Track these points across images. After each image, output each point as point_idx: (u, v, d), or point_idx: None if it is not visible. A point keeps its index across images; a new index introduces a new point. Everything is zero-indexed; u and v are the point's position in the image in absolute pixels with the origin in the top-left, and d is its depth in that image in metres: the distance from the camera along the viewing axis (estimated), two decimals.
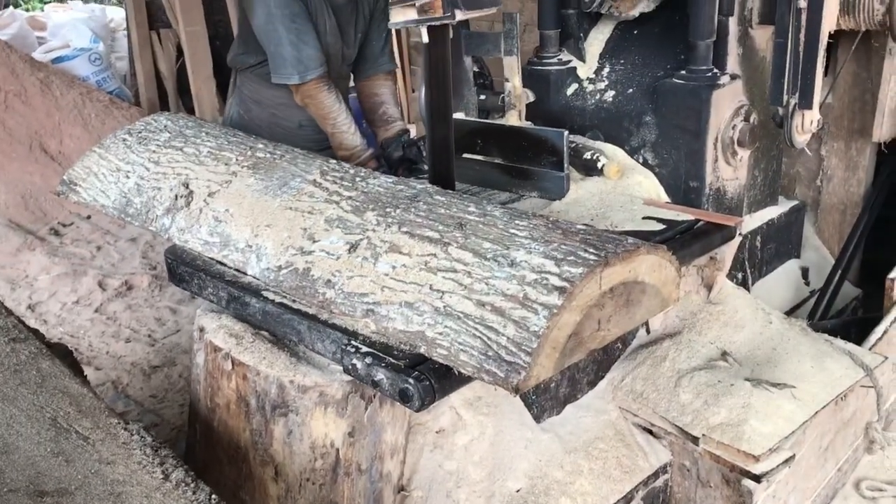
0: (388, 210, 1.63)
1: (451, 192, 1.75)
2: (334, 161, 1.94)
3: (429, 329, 1.40)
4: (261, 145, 2.04)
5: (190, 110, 5.77)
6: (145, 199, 1.98)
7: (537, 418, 1.98)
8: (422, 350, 1.42)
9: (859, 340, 2.30)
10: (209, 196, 1.87)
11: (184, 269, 1.94)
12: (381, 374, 1.48)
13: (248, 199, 1.81)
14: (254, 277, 1.74)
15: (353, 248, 1.57)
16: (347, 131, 2.51)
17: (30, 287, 4.10)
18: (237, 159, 1.95)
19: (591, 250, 1.40)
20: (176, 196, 1.93)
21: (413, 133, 5.79)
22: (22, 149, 4.91)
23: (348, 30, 2.51)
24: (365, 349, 1.53)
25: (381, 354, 1.51)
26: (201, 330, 1.83)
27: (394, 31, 3.27)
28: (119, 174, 2.08)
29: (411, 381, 1.43)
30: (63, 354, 2.02)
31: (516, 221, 1.53)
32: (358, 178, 1.80)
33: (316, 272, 1.59)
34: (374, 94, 2.64)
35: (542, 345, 1.29)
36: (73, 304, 3.81)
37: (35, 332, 1.92)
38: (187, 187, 1.93)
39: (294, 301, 1.70)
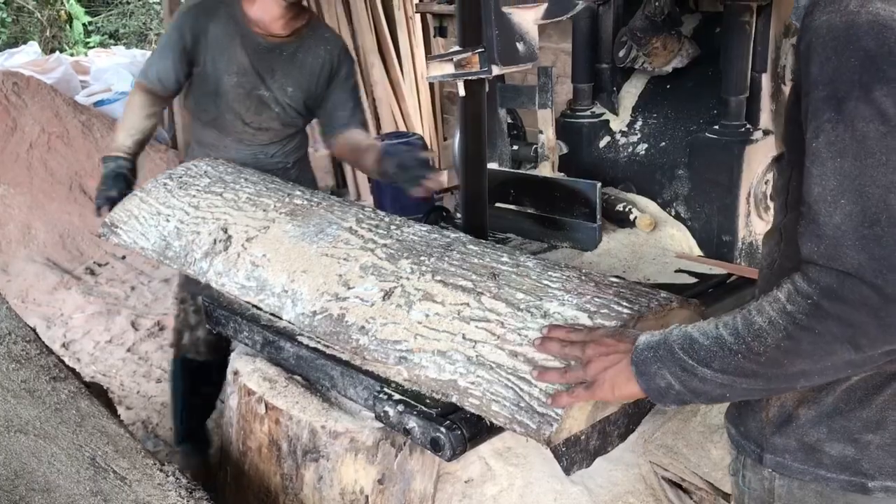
0: (421, 258, 1.65)
1: (483, 241, 1.78)
2: (370, 209, 1.99)
3: (461, 378, 1.41)
4: (298, 192, 2.08)
5: None
6: (184, 242, 2.02)
7: (567, 470, 1.96)
8: (454, 399, 1.42)
9: None
10: (247, 241, 1.91)
11: (220, 313, 1.97)
12: (412, 422, 1.49)
13: (285, 245, 1.84)
14: (289, 322, 1.76)
15: (387, 295, 1.59)
16: (122, 128, 2.55)
17: (65, 325, 4.17)
18: (275, 206, 2.00)
19: (625, 303, 1.41)
20: (215, 241, 1.96)
21: (444, 181, 5.87)
22: (62, 189, 5.04)
23: (275, 75, 2.51)
24: (397, 396, 1.54)
25: (413, 402, 1.51)
26: (235, 373, 1.85)
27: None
28: (159, 217, 2.13)
29: (443, 430, 1.44)
30: (99, 394, 2.05)
31: (549, 273, 1.54)
32: (393, 227, 1.83)
33: (350, 318, 1.61)
34: (354, 140, 2.60)
35: None
36: (106, 342, 3.88)
37: (72, 370, 1.96)
38: (226, 232, 1.96)
39: (328, 346, 1.72)
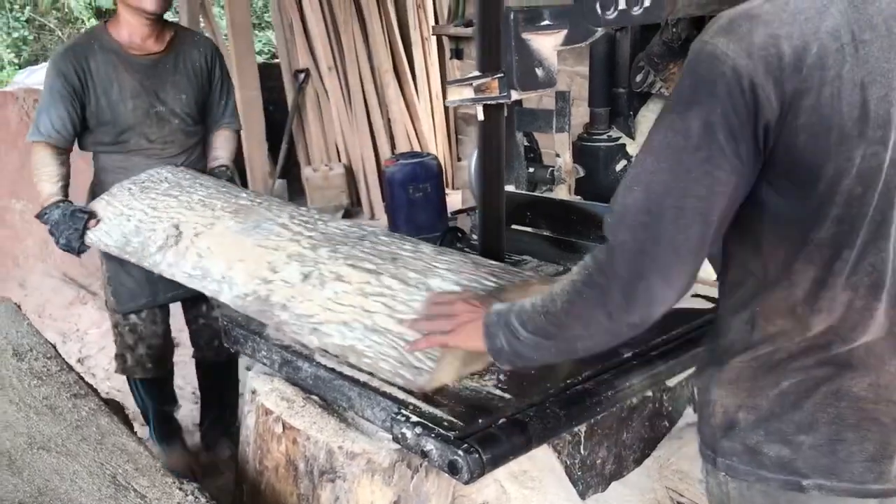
0: (338, 247, 1.91)
1: (394, 234, 2.03)
2: (304, 208, 2.26)
3: (359, 343, 1.67)
4: (244, 195, 2.38)
5: (242, 171, 5.92)
6: (142, 238, 2.29)
7: (582, 495, 1.97)
8: (351, 359, 1.68)
9: None
10: (195, 236, 2.17)
11: (238, 332, 1.99)
12: (430, 445, 1.49)
13: (226, 239, 2.11)
14: (225, 303, 2.00)
15: (305, 277, 1.84)
16: (43, 181, 2.56)
17: (80, 341, 4.20)
18: (222, 206, 2.28)
19: (493, 279, 1.68)
20: (167, 236, 2.22)
21: (459, 202, 5.89)
22: (79, 204, 5.07)
23: (164, 88, 2.63)
24: (415, 419, 1.54)
25: (430, 425, 1.52)
26: (253, 392, 1.87)
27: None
28: (122, 218, 2.40)
29: (461, 453, 1.44)
30: (116, 410, 2.07)
31: (439, 257, 1.82)
32: (320, 223, 2.11)
33: (274, 298, 1.85)
34: (212, 144, 2.83)
35: (443, 354, 1.55)
36: None
37: (90, 386, 1.98)
38: (177, 229, 2.23)
39: (346, 367, 1.74)
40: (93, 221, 2.45)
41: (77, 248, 2.47)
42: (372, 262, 1.81)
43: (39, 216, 2.54)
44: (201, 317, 2.91)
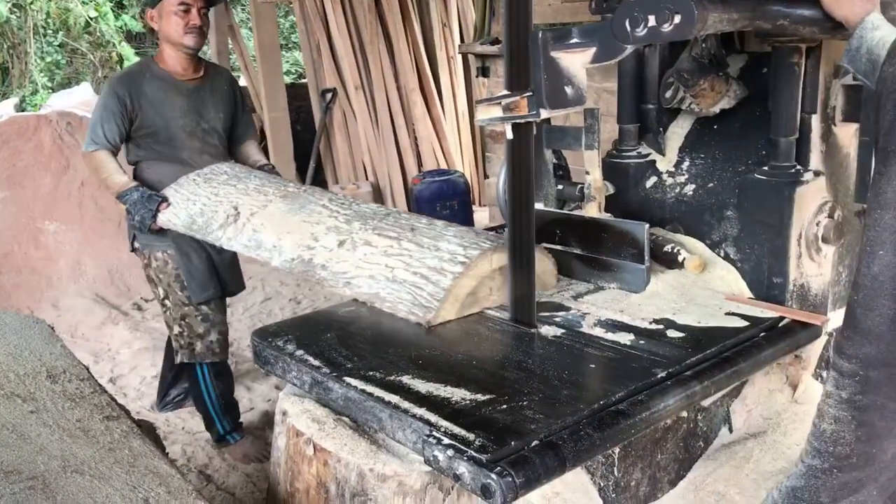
0: (368, 221, 2.35)
1: (414, 214, 2.46)
2: (340, 195, 2.75)
3: (382, 291, 2.09)
4: (291, 185, 2.81)
5: None
6: (206, 218, 2.73)
7: None
8: (376, 304, 2.10)
9: None
10: (251, 215, 2.60)
11: (269, 353, 1.99)
12: (463, 468, 1.47)
13: (276, 217, 2.54)
14: (276, 267, 2.41)
15: (341, 244, 2.29)
16: (112, 174, 3.02)
17: (112, 360, 4.24)
18: (273, 192, 2.71)
19: (490, 242, 2.11)
20: (227, 216, 2.65)
21: (486, 218, 5.88)
22: (112, 226, 5.15)
23: (206, 109, 3.15)
24: (447, 441, 1.53)
25: (462, 447, 1.50)
26: (284, 413, 1.86)
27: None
28: (188, 203, 2.87)
29: (494, 476, 1.42)
30: (148, 431, 2.07)
31: (448, 227, 2.26)
32: (354, 205, 2.54)
33: (316, 260, 2.28)
34: (246, 152, 3.35)
35: (446, 296, 2.00)
36: (152, 378, 3.92)
37: (122, 408, 1.99)
38: (236, 209, 2.66)
39: (377, 388, 1.73)
40: (164, 205, 2.92)
41: (149, 225, 2.92)
42: (394, 231, 2.25)
43: (119, 197, 2.99)
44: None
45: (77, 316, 4.72)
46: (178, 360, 3.21)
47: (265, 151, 6.12)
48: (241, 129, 3.34)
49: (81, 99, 6.95)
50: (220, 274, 3.17)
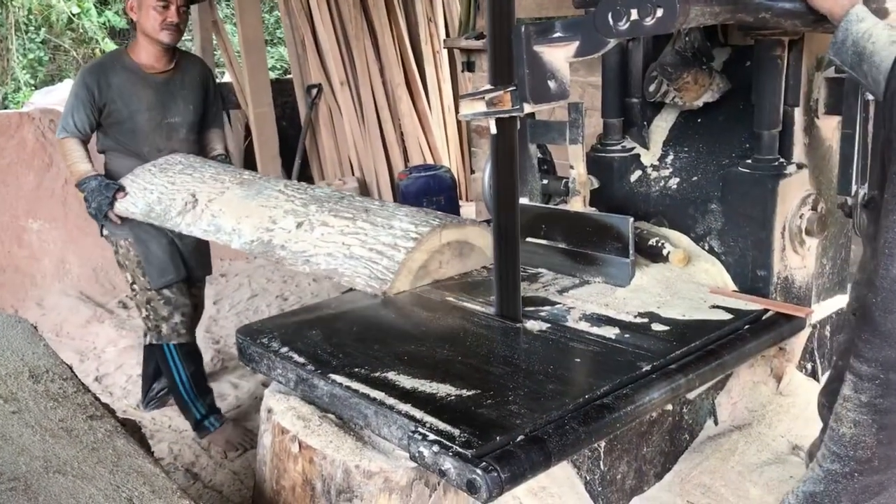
0: (324, 204, 2.48)
1: (367, 197, 2.77)
2: (295, 181, 2.88)
3: (339, 266, 2.24)
4: (247, 173, 2.92)
5: None
6: (164, 206, 2.82)
7: None
8: (334, 279, 2.24)
9: None
10: (209, 202, 2.71)
11: (254, 350, 1.98)
12: (448, 464, 1.47)
13: (234, 202, 2.65)
14: (236, 249, 2.55)
15: (299, 225, 2.41)
16: (76, 161, 3.10)
17: (97, 359, 4.21)
18: (229, 179, 2.81)
19: (439, 220, 2.28)
20: (185, 203, 2.75)
21: (473, 213, 5.87)
22: (96, 224, 5.10)
23: (175, 102, 3.18)
24: (432, 436, 1.53)
25: (447, 443, 1.50)
26: (269, 411, 1.86)
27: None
28: (146, 192, 2.95)
29: (479, 471, 1.42)
30: (133, 430, 2.06)
31: (400, 208, 2.42)
32: (308, 189, 2.66)
33: (276, 241, 2.40)
34: (207, 139, 3.41)
35: (400, 269, 2.17)
36: (137, 376, 3.89)
37: (106, 407, 1.97)
38: (194, 197, 2.76)
39: (362, 385, 1.72)
40: (121, 193, 3.00)
41: (105, 212, 3.01)
42: (349, 213, 2.39)
43: (78, 185, 3.07)
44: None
45: (62, 314, 4.68)
46: (146, 341, 3.32)
47: (251, 147, 6.11)
48: (209, 118, 3.40)
49: (64, 96, 6.88)
50: (184, 259, 3.23)
